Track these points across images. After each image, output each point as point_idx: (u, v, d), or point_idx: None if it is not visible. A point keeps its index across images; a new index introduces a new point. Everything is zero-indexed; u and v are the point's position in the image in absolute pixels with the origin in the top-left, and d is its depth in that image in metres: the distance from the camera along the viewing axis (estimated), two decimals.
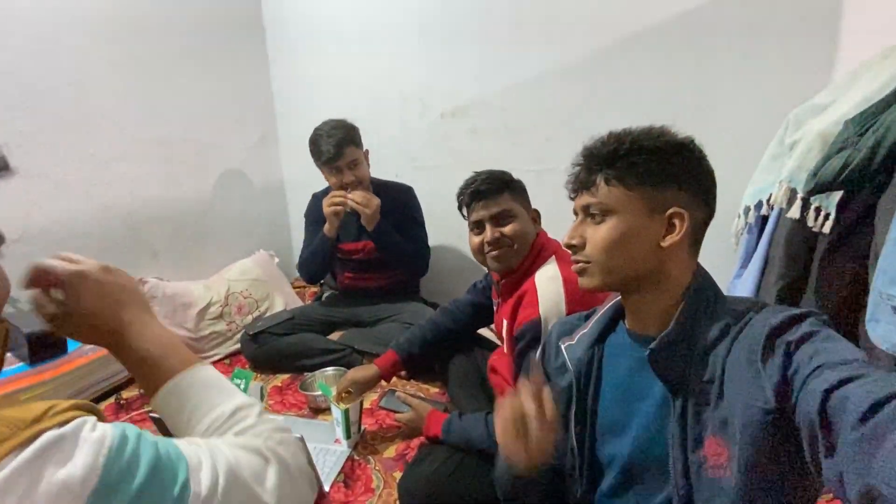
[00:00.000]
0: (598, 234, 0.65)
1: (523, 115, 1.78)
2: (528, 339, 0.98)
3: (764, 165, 1.33)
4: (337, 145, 1.54)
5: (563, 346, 0.76)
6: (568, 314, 0.96)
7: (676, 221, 0.63)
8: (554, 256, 1.09)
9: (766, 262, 1.28)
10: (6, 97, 1.31)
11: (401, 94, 1.95)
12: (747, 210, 1.36)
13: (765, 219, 1.31)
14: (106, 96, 1.55)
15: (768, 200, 1.26)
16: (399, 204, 1.72)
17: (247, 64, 2.11)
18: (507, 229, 1.11)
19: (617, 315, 0.73)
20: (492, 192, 1.12)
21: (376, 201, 1.59)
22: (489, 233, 1.12)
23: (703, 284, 0.65)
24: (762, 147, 1.33)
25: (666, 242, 0.63)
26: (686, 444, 0.59)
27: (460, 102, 1.87)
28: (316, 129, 1.62)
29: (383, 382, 1.39)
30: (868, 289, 0.92)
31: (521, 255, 1.12)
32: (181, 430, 0.50)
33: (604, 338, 0.72)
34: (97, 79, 1.52)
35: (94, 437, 0.36)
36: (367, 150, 1.68)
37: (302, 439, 0.95)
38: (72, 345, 0.60)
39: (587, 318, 0.78)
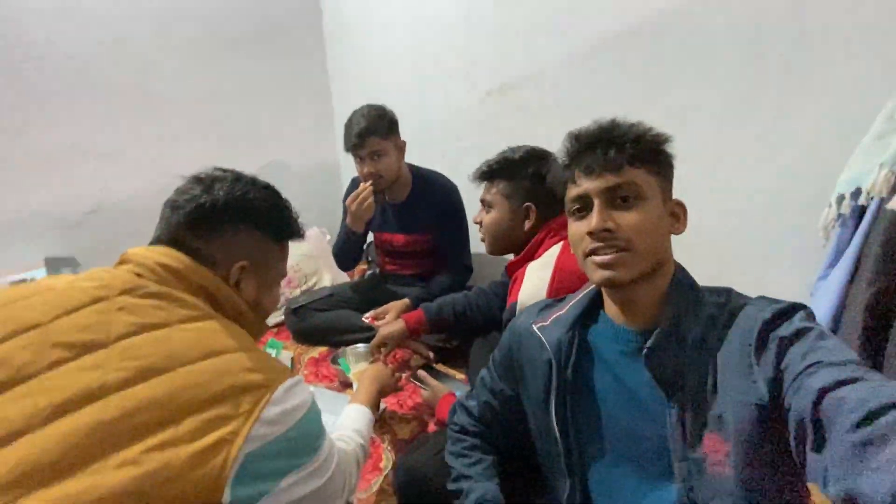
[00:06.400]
0: (635, 219, 0.61)
1: (574, 92, 1.63)
2: (506, 325, 0.94)
3: (866, 146, 1.09)
4: (359, 135, 1.48)
5: (535, 328, 0.73)
6: None
7: (679, 211, 0.65)
8: (564, 242, 1.01)
9: (859, 261, 1.06)
10: (82, 83, 1.48)
11: (447, 72, 1.88)
12: (841, 199, 1.13)
13: (863, 210, 1.08)
14: (168, 80, 1.68)
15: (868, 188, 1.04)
16: (438, 201, 1.65)
17: (304, 45, 2.18)
18: (485, 218, 1.14)
19: (595, 303, 0.69)
20: (481, 178, 1.15)
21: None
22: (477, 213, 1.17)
23: (681, 276, 0.64)
24: (864, 125, 1.08)
25: (678, 231, 0.65)
26: (686, 443, 0.59)
27: (508, 79, 1.75)
28: (350, 114, 1.57)
29: (413, 363, 1.45)
30: None
31: (493, 247, 1.14)
32: None
33: (584, 322, 0.70)
34: (160, 64, 1.65)
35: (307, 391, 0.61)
36: (403, 141, 1.59)
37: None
38: None
39: (560, 302, 0.75)
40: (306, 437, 0.58)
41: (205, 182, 0.68)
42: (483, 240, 1.17)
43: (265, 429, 0.52)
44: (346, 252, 1.71)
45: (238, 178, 0.71)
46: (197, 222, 0.65)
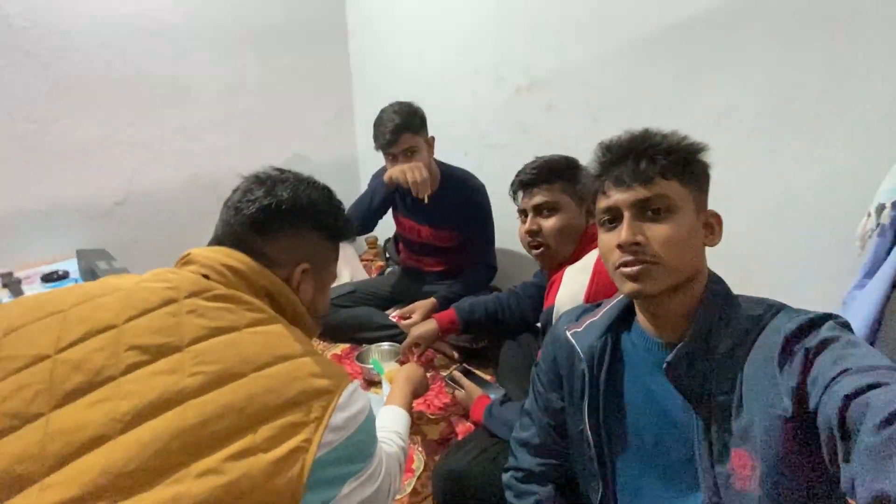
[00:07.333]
0: (665, 232, 0.60)
1: (608, 91, 1.60)
2: (543, 329, 0.95)
3: None
4: (392, 132, 1.45)
5: (569, 334, 0.72)
6: None
7: (714, 222, 0.65)
8: None
9: None
10: (114, 74, 1.46)
11: (474, 66, 1.85)
12: (881, 208, 1.12)
13: None
14: (194, 71, 1.66)
15: None
16: (466, 198, 1.63)
17: (326, 38, 2.16)
18: (547, 223, 1.06)
19: (629, 310, 0.69)
20: (536, 181, 1.07)
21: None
22: (528, 223, 1.08)
23: (716, 288, 0.63)
24: None
25: (712, 243, 0.64)
26: (712, 457, 0.58)
27: (538, 75, 1.73)
28: (379, 112, 1.54)
29: (435, 363, 1.38)
30: None
31: (560, 252, 1.07)
32: None
33: (617, 329, 0.70)
34: (188, 54, 1.64)
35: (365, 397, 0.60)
36: (432, 137, 1.58)
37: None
38: None
39: (596, 307, 0.75)
40: (365, 442, 0.58)
41: (267, 183, 0.68)
42: (539, 248, 1.09)
43: (332, 435, 0.52)
44: (358, 212, 1.62)
45: (299, 179, 0.70)
46: (261, 224, 0.65)
